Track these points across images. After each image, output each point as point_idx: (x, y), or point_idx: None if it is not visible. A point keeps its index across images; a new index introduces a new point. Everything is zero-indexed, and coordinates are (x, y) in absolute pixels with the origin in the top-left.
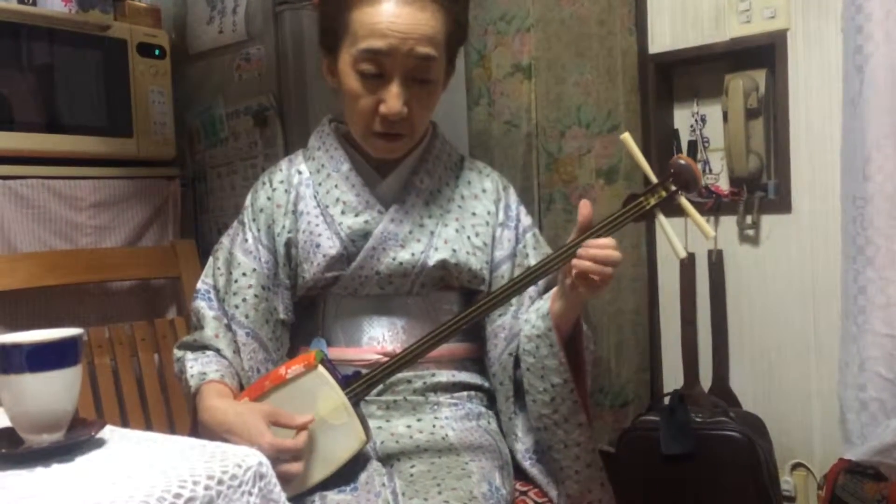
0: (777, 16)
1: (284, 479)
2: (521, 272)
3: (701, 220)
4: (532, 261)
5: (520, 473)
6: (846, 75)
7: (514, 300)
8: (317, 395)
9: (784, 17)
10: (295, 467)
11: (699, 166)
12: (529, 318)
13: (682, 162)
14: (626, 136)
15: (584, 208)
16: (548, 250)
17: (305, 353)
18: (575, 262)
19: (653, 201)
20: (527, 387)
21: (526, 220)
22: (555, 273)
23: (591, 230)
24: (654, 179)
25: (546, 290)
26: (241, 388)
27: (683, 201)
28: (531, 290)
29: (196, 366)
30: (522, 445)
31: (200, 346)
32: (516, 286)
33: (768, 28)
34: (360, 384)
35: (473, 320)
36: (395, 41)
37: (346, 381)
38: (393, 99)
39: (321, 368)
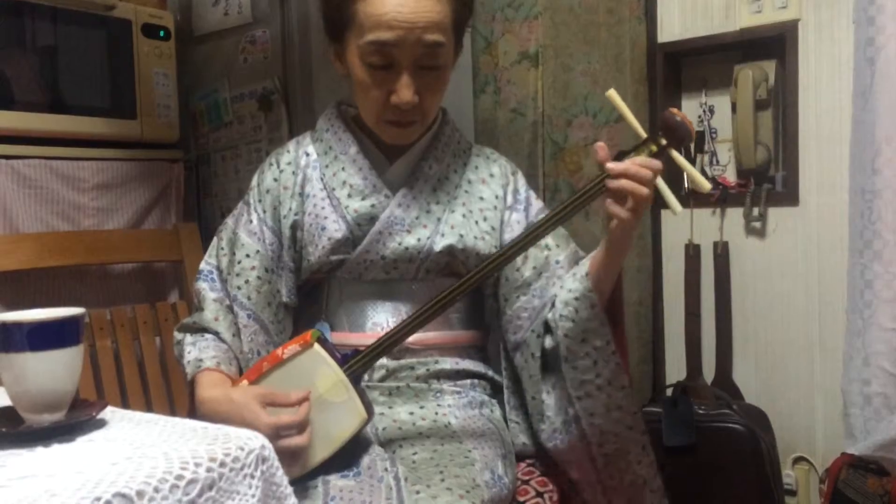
0: (788, 6)
1: (291, 454)
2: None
3: (695, 172)
4: (548, 241)
5: (524, 462)
6: (857, 67)
7: (536, 281)
8: (315, 374)
9: (795, 8)
10: (299, 440)
11: (706, 157)
12: (565, 283)
13: (676, 117)
14: (612, 93)
15: (602, 150)
16: (562, 231)
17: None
18: (610, 182)
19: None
20: (565, 353)
21: (537, 203)
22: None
23: (581, 190)
24: (643, 134)
25: (572, 266)
26: (240, 371)
27: (676, 155)
28: (559, 270)
29: (193, 351)
30: (550, 426)
31: (199, 329)
32: (528, 238)
33: (779, 18)
34: (357, 360)
35: (480, 280)
36: (402, 32)
37: (344, 360)
38: (404, 89)
39: (317, 347)
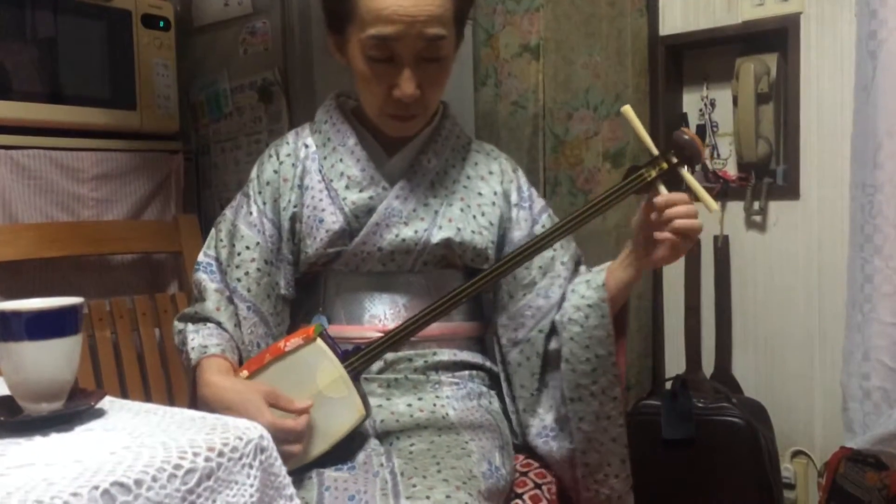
0: None
1: (283, 460)
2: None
3: (703, 192)
4: None
5: (522, 454)
6: (859, 61)
7: (541, 280)
8: (315, 368)
9: (797, 1)
10: (295, 448)
11: (707, 150)
12: (577, 288)
13: (685, 136)
14: (627, 109)
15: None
16: None
17: (305, 328)
18: (679, 223)
19: (654, 173)
20: (567, 356)
21: (539, 201)
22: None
23: (592, 202)
24: (655, 152)
25: (576, 267)
26: (241, 362)
27: (685, 174)
28: (563, 271)
29: (197, 338)
30: (540, 422)
31: (201, 319)
32: (522, 254)
33: (781, 11)
34: (358, 358)
35: (480, 289)
36: (403, 26)
37: (345, 355)
38: (405, 83)
39: (320, 341)
